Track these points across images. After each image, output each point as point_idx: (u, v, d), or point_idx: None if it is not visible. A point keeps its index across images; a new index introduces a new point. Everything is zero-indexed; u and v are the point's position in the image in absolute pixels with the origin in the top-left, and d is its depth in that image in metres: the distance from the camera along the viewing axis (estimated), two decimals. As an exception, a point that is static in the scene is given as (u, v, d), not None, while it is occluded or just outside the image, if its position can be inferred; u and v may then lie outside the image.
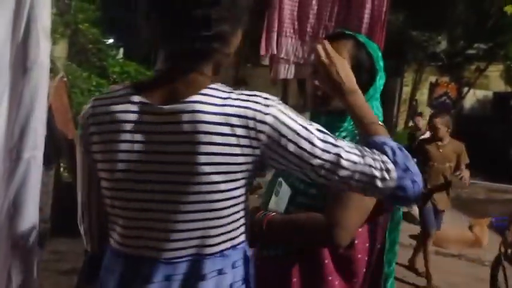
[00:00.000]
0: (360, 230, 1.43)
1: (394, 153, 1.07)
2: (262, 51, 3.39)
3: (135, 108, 1.02)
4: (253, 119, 1.00)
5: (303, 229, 1.41)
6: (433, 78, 11.16)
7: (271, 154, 1.02)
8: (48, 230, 2.81)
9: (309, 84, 1.49)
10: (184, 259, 1.04)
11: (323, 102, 1.49)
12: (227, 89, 1.05)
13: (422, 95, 11.27)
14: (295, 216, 1.44)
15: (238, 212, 1.07)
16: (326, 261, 1.43)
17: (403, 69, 10.70)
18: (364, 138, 1.16)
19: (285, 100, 10.33)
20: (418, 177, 1.08)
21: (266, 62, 9.38)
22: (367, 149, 1.07)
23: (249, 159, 1.01)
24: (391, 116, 10.62)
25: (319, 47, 1.26)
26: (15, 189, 1.69)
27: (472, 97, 10.95)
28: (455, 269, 4.72)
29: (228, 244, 1.07)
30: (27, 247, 1.75)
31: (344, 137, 1.44)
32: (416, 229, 5.51)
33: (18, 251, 1.73)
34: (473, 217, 5.85)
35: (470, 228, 5.35)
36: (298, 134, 1.02)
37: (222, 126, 0.98)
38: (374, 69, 1.46)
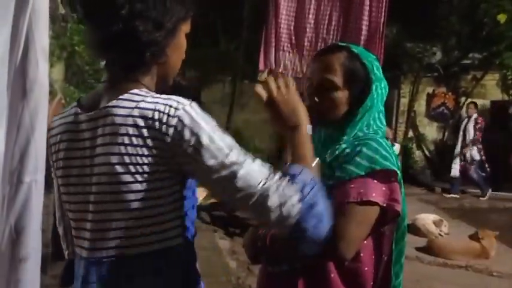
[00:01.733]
0: (365, 242, 1.42)
1: (303, 187, 1.03)
2: (261, 66, 3.40)
3: (72, 119, 1.14)
4: (159, 120, 1.01)
5: None
6: (430, 89, 11.19)
7: (177, 158, 1.02)
8: (50, 254, 2.76)
9: (305, 99, 1.50)
10: (110, 259, 1.08)
11: (320, 118, 1.49)
12: (147, 93, 1.07)
13: (420, 106, 11.30)
14: None
15: (162, 214, 1.06)
16: (332, 275, 1.41)
17: (400, 81, 10.75)
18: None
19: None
20: (325, 219, 1.05)
21: (263, 78, 9.43)
22: (279, 178, 1.03)
23: (159, 161, 1.02)
24: (390, 128, 10.62)
25: (271, 81, 1.25)
26: (16, 214, 1.66)
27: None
28: (463, 280, 4.67)
29: (155, 246, 1.07)
30: (29, 273, 1.72)
31: (344, 149, 1.44)
32: (422, 241, 5.48)
33: (20, 276, 1.69)
34: (476, 227, 5.81)
35: (472, 237, 5.30)
36: (200, 142, 1.00)
37: (129, 127, 1.02)
38: (369, 79, 1.45)
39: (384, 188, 1.38)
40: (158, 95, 1.06)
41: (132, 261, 1.07)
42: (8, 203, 1.70)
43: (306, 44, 3.29)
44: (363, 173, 1.36)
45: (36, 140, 1.69)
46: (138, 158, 1.02)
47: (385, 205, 1.37)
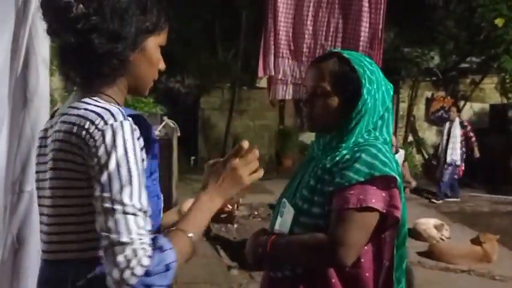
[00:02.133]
0: (365, 248, 1.42)
1: (156, 265, 0.96)
2: (260, 73, 3.41)
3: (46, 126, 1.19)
4: (86, 130, 1.02)
5: (306, 249, 1.42)
6: (428, 94, 11.22)
7: (89, 170, 1.03)
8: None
9: (302, 108, 1.55)
10: (52, 262, 1.12)
11: (313, 125, 1.53)
12: (97, 102, 1.08)
13: (419, 111, 11.33)
14: (298, 237, 1.45)
15: (90, 222, 1.03)
16: (333, 280, 1.42)
17: (399, 86, 10.78)
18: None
19: (281, 121, 10.26)
20: None
21: (261, 84, 9.45)
22: (144, 242, 0.97)
23: (79, 168, 1.04)
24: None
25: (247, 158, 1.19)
26: (18, 223, 1.67)
27: (469, 110, 10.99)
28: (466, 285, 4.66)
29: (88, 254, 1.07)
30: (31, 281, 1.72)
31: (344, 155, 1.44)
32: (423, 245, 5.47)
33: (22, 285, 1.69)
34: (478, 231, 5.80)
35: (474, 241, 5.29)
36: (107, 164, 0.99)
37: (66, 134, 1.06)
38: (359, 83, 1.45)
39: (383, 194, 1.38)
40: (104, 105, 1.06)
41: (67, 265, 1.08)
42: (10, 212, 1.71)
43: (304, 50, 3.30)
44: (362, 179, 1.36)
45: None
46: (67, 163, 1.05)
47: (384, 211, 1.38)
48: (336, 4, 3.21)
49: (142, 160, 1.06)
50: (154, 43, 1.16)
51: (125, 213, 0.97)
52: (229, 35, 10.38)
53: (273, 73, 3.37)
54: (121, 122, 1.01)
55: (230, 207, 1.36)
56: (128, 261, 0.94)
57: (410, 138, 11.24)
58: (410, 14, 9.16)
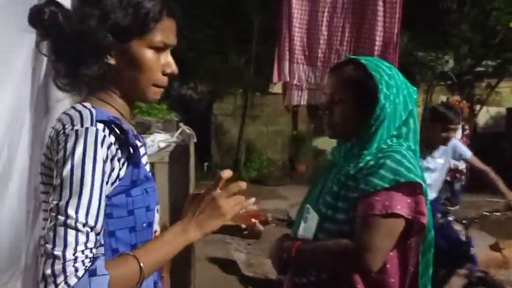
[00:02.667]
0: (391, 254, 1.42)
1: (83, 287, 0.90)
2: (275, 79, 3.42)
3: None
4: (57, 132, 1.01)
5: (331, 255, 1.42)
6: (444, 98, 11.11)
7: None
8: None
9: (321, 115, 1.56)
10: None
11: (333, 132, 1.54)
12: (79, 106, 1.05)
13: (434, 115, 11.20)
14: (323, 243, 1.45)
15: None
16: (358, 286, 1.42)
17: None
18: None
19: (295, 126, 10.20)
20: None
21: (274, 89, 9.44)
22: (78, 263, 0.91)
23: (50, 172, 1.03)
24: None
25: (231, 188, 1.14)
26: (40, 228, 1.69)
27: (485, 114, 10.86)
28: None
29: None
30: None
31: (368, 161, 1.44)
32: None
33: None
34: (497, 236, 5.72)
35: (493, 247, 5.22)
36: (62, 169, 0.95)
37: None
38: (376, 88, 1.44)
39: (409, 201, 1.38)
40: (81, 109, 1.03)
41: None
42: (32, 218, 1.73)
43: (319, 55, 3.31)
44: (387, 186, 1.37)
45: (59, 156, 1.75)
46: (43, 168, 1.06)
47: (410, 217, 1.38)
48: (351, 9, 3.21)
49: (112, 170, 1.00)
50: (142, 46, 1.07)
51: (66, 225, 0.92)
52: (241, 40, 10.41)
53: (288, 79, 3.37)
54: (86, 128, 0.97)
55: (254, 220, 1.33)
56: (55, 276, 0.89)
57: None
58: (424, 18, 9.10)
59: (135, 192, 1.06)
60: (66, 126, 0.99)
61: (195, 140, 3.49)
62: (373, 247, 1.35)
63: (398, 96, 1.46)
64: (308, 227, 1.50)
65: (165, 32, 1.09)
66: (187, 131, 2.79)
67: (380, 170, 1.39)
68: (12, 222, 1.81)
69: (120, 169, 1.02)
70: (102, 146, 0.98)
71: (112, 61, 1.06)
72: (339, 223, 1.44)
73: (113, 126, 1.02)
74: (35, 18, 1.03)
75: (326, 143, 9.83)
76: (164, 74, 1.12)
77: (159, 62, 1.10)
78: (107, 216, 1.01)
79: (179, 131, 2.73)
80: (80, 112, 1.02)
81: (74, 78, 1.06)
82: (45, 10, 1.02)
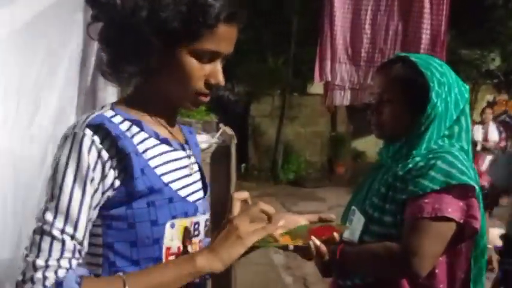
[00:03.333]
0: (440, 258, 1.37)
1: None
2: (316, 79, 3.38)
3: None
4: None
5: (378, 259, 1.38)
6: (490, 97, 10.76)
7: None
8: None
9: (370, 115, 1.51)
10: None
11: (382, 132, 1.50)
12: (102, 109, 1.03)
13: (481, 114, 10.89)
14: (369, 246, 1.41)
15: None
16: None
17: (457, 90, 10.40)
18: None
19: (334, 127, 10.08)
20: None
21: (312, 90, 9.33)
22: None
23: None
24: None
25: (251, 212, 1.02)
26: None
27: (533, 113, 10.46)
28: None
29: None
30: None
31: (417, 162, 1.39)
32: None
33: None
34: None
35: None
36: (51, 168, 0.95)
37: None
38: (427, 86, 1.39)
39: (461, 204, 1.33)
40: (93, 111, 1.01)
41: None
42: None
43: (363, 55, 3.25)
44: (437, 188, 1.32)
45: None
46: None
47: (462, 221, 1.32)
48: (395, 7, 3.14)
49: (104, 177, 0.94)
50: (185, 51, 0.99)
51: (42, 231, 0.89)
52: (280, 41, 10.39)
53: (329, 79, 3.33)
54: (74, 133, 0.93)
55: (314, 239, 1.11)
56: (24, 283, 0.87)
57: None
58: (468, 15, 8.84)
59: (138, 204, 0.97)
60: (70, 127, 0.97)
61: (236, 141, 3.49)
62: (421, 251, 1.30)
63: (450, 94, 1.41)
64: (353, 229, 1.47)
65: (218, 39, 0.99)
66: (228, 131, 2.79)
67: (430, 171, 1.34)
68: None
69: (115, 178, 0.95)
70: (88, 152, 0.92)
71: (154, 62, 0.98)
72: (386, 226, 1.40)
73: (104, 129, 0.94)
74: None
75: (366, 144, 9.68)
76: (208, 84, 1.03)
77: (203, 71, 1.01)
78: (106, 227, 0.97)
79: (220, 131, 2.73)
80: (85, 119, 0.97)
81: (115, 71, 1.01)
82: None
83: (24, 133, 2.22)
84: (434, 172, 1.34)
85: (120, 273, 0.93)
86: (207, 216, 1.14)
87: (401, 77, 1.43)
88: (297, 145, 10.17)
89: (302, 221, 1.06)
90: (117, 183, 0.96)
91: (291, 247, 1.06)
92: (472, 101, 10.49)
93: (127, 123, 1.00)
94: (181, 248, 1.04)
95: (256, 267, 4.70)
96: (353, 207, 1.54)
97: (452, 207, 1.31)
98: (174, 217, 1.02)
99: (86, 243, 0.93)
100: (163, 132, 1.07)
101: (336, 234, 1.11)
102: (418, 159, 1.41)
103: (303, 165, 10.05)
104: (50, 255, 0.88)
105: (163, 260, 1.00)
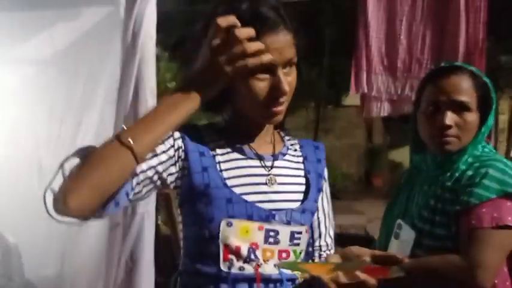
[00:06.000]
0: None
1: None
2: (352, 91, 3.36)
3: None
4: None
5: (440, 272, 1.33)
6: (530, 105, 10.45)
7: None
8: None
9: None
10: None
11: (457, 145, 1.43)
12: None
13: (521, 122, 10.56)
14: (428, 260, 1.37)
15: None
16: None
17: (497, 97, 10.13)
18: None
19: (370, 139, 10.00)
20: None
21: (347, 102, 9.27)
22: None
23: None
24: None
25: None
26: (131, 243, 1.77)
27: None
28: None
29: None
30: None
31: (465, 171, 1.38)
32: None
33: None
34: None
35: None
36: None
37: None
38: (492, 99, 1.43)
39: None
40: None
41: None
42: (123, 233, 1.82)
43: (399, 65, 3.21)
44: (494, 196, 1.30)
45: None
46: None
47: None
48: (431, 16, 3.10)
49: (176, 161, 1.06)
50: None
51: None
52: (313, 53, 10.40)
53: (366, 90, 3.30)
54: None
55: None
56: None
57: (512, 153, 10.49)
58: (508, 21, 8.62)
59: (198, 201, 1.07)
60: None
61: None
62: (485, 263, 1.27)
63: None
64: (403, 243, 1.44)
65: (266, 51, 0.95)
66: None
67: (483, 180, 1.32)
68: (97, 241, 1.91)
69: (180, 168, 1.07)
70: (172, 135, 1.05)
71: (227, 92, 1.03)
72: (440, 239, 1.38)
73: (187, 127, 1.08)
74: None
75: (403, 155, 9.52)
76: (272, 96, 1.05)
77: (263, 85, 1.04)
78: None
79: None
80: None
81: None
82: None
83: (66, 152, 2.31)
84: (488, 181, 1.32)
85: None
86: (296, 228, 1.14)
87: (478, 89, 1.42)
88: (333, 158, 10.10)
89: (365, 255, 0.96)
90: (180, 173, 1.07)
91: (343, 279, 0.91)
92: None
93: (209, 130, 1.15)
94: (241, 248, 1.07)
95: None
96: (399, 220, 1.50)
97: (511, 216, 1.29)
98: (231, 216, 1.07)
99: (141, 176, 0.99)
100: (244, 146, 1.15)
101: (395, 244, 1.07)
102: (463, 167, 1.39)
103: (340, 177, 9.96)
104: None
105: (221, 257, 1.07)
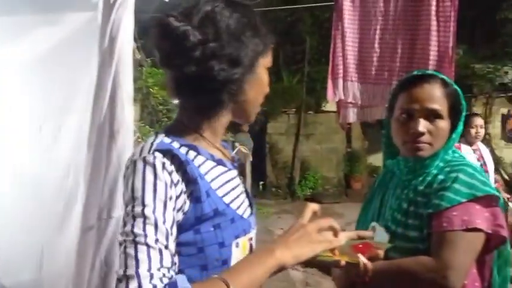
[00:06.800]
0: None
1: None
2: (329, 97, 3.42)
3: None
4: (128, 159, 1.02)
5: (412, 274, 1.35)
6: (504, 110, 10.66)
7: None
8: None
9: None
10: None
11: (429, 151, 1.46)
12: (165, 137, 1.04)
13: (495, 128, 10.76)
14: (400, 262, 1.38)
15: None
16: None
17: (471, 104, 10.34)
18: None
19: (349, 144, 10.04)
20: None
21: (327, 108, 9.35)
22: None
23: None
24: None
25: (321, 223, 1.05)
26: (106, 247, 1.77)
27: (550, 126, 10.30)
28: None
29: None
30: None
31: (436, 175, 1.42)
32: None
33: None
34: None
35: None
36: (125, 201, 0.96)
37: None
38: (462, 105, 1.46)
39: (486, 214, 1.35)
40: (149, 140, 1.01)
41: None
42: (98, 237, 1.82)
43: (373, 73, 3.29)
44: (464, 200, 1.34)
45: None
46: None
47: (490, 231, 1.34)
48: (403, 26, 3.19)
49: (178, 197, 0.95)
50: (263, 65, 1.10)
51: (135, 243, 0.87)
52: (294, 60, 10.48)
53: (342, 97, 3.37)
54: (143, 157, 0.95)
55: (360, 256, 1.15)
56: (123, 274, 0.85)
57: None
58: (480, 30, 8.84)
59: (205, 228, 0.99)
60: (128, 159, 1.00)
61: (251, 159, 3.53)
62: (456, 264, 1.30)
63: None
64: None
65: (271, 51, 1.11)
66: (244, 150, 2.85)
67: (454, 184, 1.36)
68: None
69: (184, 201, 0.97)
70: (162, 170, 0.94)
71: (247, 81, 1.06)
72: (412, 241, 1.40)
73: (173, 155, 0.97)
74: (178, 42, 0.99)
75: (381, 159, 9.60)
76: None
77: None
78: (177, 254, 0.95)
79: (235, 150, 2.79)
80: (145, 143, 1.01)
81: (210, 101, 1.05)
82: (190, 32, 0.99)
83: (45, 156, 2.31)
84: (458, 185, 1.36)
85: (215, 276, 0.92)
86: (255, 230, 1.17)
87: (449, 96, 1.44)
88: (313, 162, 10.18)
89: (343, 237, 1.06)
90: (186, 207, 0.97)
91: (343, 263, 1.08)
92: (486, 115, 10.41)
93: (184, 149, 1.02)
94: None
95: (275, 283, 4.69)
96: (373, 223, 1.52)
97: (480, 218, 1.33)
98: (237, 237, 1.04)
99: (176, 258, 0.93)
100: (217, 154, 1.10)
101: (380, 252, 1.15)
102: (435, 172, 1.43)
103: (320, 181, 10.03)
104: (150, 264, 0.85)
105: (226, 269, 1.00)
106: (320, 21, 9.84)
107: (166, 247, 0.89)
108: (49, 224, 2.18)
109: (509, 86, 10.18)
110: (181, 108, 1.10)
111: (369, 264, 1.27)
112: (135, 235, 0.88)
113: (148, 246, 0.87)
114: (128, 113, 1.82)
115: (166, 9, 1.07)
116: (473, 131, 4.22)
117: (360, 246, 1.11)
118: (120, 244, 0.90)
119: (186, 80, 1.01)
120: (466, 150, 4.07)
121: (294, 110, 10.42)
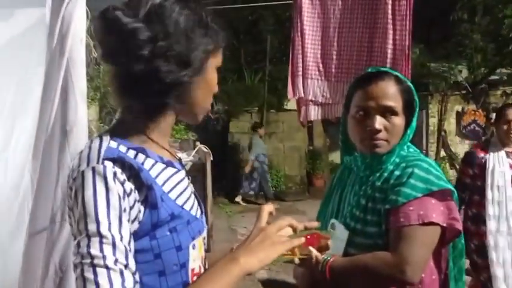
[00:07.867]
0: None
1: None
2: (290, 95, 3.43)
3: None
4: (72, 170, 0.96)
5: (370, 270, 1.37)
6: (459, 107, 11.04)
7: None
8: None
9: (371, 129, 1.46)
10: None
11: (386, 147, 1.47)
12: (109, 141, 0.97)
13: (450, 125, 11.13)
14: (359, 258, 1.40)
15: None
16: None
17: (427, 101, 10.65)
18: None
19: (311, 142, 10.15)
20: None
21: (289, 106, 9.41)
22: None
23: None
24: (421, 149, 10.48)
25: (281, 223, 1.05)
26: (60, 252, 1.70)
27: (502, 122, 10.74)
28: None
29: None
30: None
31: (392, 171, 1.43)
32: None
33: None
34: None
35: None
36: (76, 218, 0.90)
37: None
38: (416, 101, 1.48)
39: (442, 208, 1.37)
40: (95, 145, 0.95)
41: None
42: (51, 241, 1.74)
43: (333, 70, 3.32)
44: (420, 195, 1.35)
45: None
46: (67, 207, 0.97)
47: (445, 225, 1.37)
48: (361, 24, 3.22)
49: (131, 208, 0.91)
50: (213, 64, 1.05)
51: (94, 266, 0.82)
52: (256, 59, 10.52)
53: (302, 95, 3.38)
54: (92, 168, 0.89)
55: (311, 248, 1.18)
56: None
57: (442, 153, 11.03)
58: (435, 30, 9.11)
59: (161, 233, 0.95)
60: (74, 168, 0.93)
61: (212, 158, 3.52)
62: (413, 258, 1.32)
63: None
64: (336, 243, 1.43)
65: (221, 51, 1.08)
66: (204, 149, 2.82)
67: (410, 179, 1.38)
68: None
69: (139, 211, 0.92)
70: (114, 180, 0.89)
71: (195, 81, 1.01)
72: (371, 236, 1.41)
73: (125, 162, 0.92)
74: (125, 39, 0.93)
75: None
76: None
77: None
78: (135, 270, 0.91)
79: (195, 149, 2.76)
80: (89, 149, 0.94)
81: (154, 101, 1.00)
82: (139, 29, 0.94)
83: None
84: (414, 180, 1.37)
85: None
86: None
87: (403, 93, 1.46)
88: (276, 160, 10.23)
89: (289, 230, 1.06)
90: (141, 216, 0.93)
91: (297, 260, 1.08)
92: (441, 112, 10.76)
93: (132, 152, 0.97)
94: (202, 267, 1.06)
95: (239, 282, 4.67)
96: (332, 220, 1.52)
97: (436, 212, 1.35)
98: (193, 238, 1.02)
99: (137, 275, 0.88)
100: (166, 155, 1.05)
101: (329, 242, 1.15)
102: (391, 167, 1.44)
103: (283, 179, 10.09)
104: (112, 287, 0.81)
105: (190, 283, 0.98)
106: (281, 20, 9.91)
107: (126, 266, 0.84)
108: (3, 227, 2.08)
109: (462, 84, 10.54)
110: (125, 107, 1.03)
111: (320, 256, 1.32)
112: (92, 257, 0.82)
113: (108, 268, 0.82)
114: (81, 112, 1.75)
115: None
116: (505, 127, 3.13)
117: (309, 237, 1.11)
118: (76, 266, 0.84)
119: (131, 79, 0.95)
120: (494, 160, 3.07)
121: (256, 108, 10.45)
